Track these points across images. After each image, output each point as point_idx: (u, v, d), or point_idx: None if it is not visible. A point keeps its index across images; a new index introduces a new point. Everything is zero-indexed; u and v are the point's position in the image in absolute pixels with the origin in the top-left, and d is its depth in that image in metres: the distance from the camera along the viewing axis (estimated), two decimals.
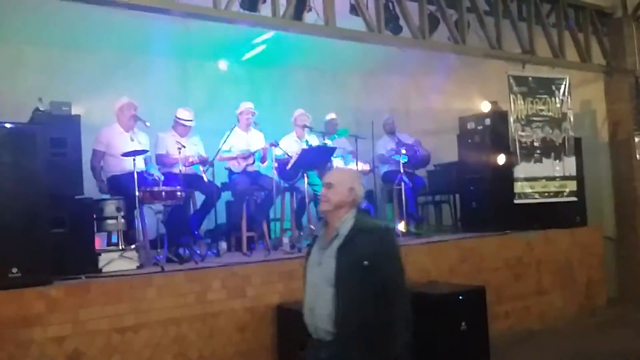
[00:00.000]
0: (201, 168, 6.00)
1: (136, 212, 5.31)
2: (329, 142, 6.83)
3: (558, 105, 7.70)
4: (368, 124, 7.16)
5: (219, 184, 6.43)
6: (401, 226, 7.15)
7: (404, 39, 6.55)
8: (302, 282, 3.00)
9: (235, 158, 6.37)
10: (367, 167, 7.42)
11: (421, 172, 8.16)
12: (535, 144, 7.55)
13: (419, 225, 7.50)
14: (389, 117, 7.93)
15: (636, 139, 8.12)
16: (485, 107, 7.73)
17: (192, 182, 5.92)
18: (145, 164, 5.78)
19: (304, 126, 6.90)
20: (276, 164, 6.31)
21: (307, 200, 6.36)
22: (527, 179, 7.43)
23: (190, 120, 6.22)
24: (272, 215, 6.86)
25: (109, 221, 5.12)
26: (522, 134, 7.47)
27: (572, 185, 7.64)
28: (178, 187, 5.37)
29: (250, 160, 6.38)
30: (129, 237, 5.29)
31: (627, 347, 5.74)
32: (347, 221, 2.89)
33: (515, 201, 7.31)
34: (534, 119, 7.58)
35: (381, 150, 7.57)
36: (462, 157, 7.88)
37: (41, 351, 3.97)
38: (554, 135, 7.65)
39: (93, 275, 4.59)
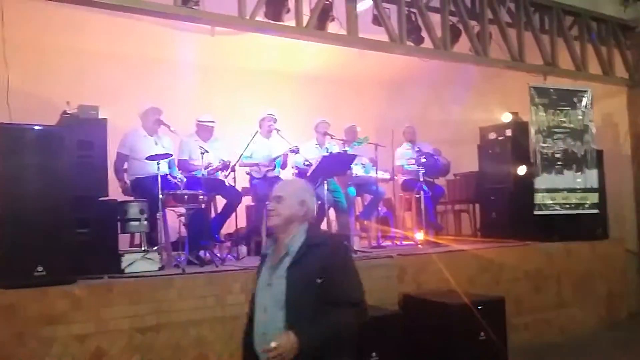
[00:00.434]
0: (223, 173, 6.10)
1: (159, 215, 5.40)
2: (349, 150, 6.87)
3: (580, 117, 7.67)
4: (388, 132, 7.20)
5: (240, 189, 6.50)
6: (420, 235, 7.17)
7: (426, 50, 6.59)
8: (249, 307, 2.82)
9: (256, 164, 6.45)
10: (386, 175, 7.45)
11: (441, 181, 8.16)
12: (557, 155, 7.51)
13: (437, 234, 7.50)
14: (409, 125, 7.96)
15: None
16: (506, 118, 7.73)
17: (213, 186, 6.00)
18: (169, 167, 5.88)
19: (325, 133, 6.97)
20: (296, 171, 6.37)
21: (326, 206, 6.41)
22: (547, 191, 7.39)
23: (212, 122, 6.35)
24: None
25: (133, 223, 5.18)
26: (544, 145, 7.44)
27: (593, 198, 7.58)
28: (200, 191, 5.45)
29: (271, 166, 6.46)
30: (151, 239, 5.36)
31: None
32: (298, 237, 2.71)
33: (536, 212, 7.27)
34: (556, 130, 7.55)
35: (400, 159, 7.59)
36: (483, 167, 7.87)
37: (64, 349, 4.05)
38: (575, 147, 7.61)
39: (116, 276, 4.66)
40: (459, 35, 6.78)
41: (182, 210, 5.51)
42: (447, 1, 6.63)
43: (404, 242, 7.48)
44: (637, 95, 8.22)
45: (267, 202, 6.26)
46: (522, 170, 7.38)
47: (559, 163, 7.50)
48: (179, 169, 6.17)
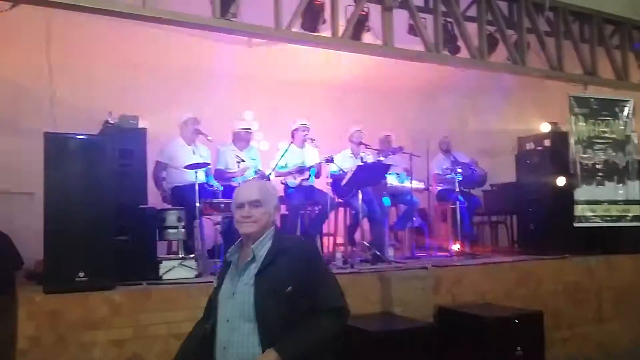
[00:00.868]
0: None
1: (196, 223, 5.49)
2: (383, 160, 6.88)
3: (621, 127, 7.50)
4: (423, 142, 7.17)
5: None
6: (455, 246, 7.11)
7: (462, 59, 6.56)
8: (204, 317, 2.65)
9: (291, 173, 6.50)
10: (421, 185, 7.41)
11: (477, 192, 8.07)
12: (597, 166, 7.36)
13: (473, 245, 7.42)
14: (446, 135, 7.91)
15: None
16: (545, 128, 7.60)
17: None
18: (206, 176, 5.98)
19: (360, 143, 6.98)
20: (331, 180, 6.39)
21: (360, 216, 6.41)
22: (588, 202, 7.23)
23: (249, 129, 6.44)
24: (325, 230, 6.93)
25: (171, 230, 5.27)
26: (584, 156, 7.30)
27: (635, 210, 7.39)
28: None
29: (306, 176, 6.50)
30: (188, 246, 5.46)
31: None
32: (265, 242, 2.54)
33: (576, 224, 7.12)
34: (596, 141, 7.40)
35: (436, 168, 7.55)
36: (520, 178, 7.74)
37: (103, 353, 4.15)
38: (617, 158, 7.44)
39: (154, 282, 4.74)
40: (496, 45, 6.72)
41: (218, 218, 5.59)
42: (484, 10, 6.59)
43: (439, 254, 7.42)
44: None
45: (301, 212, 6.42)
46: (561, 181, 7.24)
47: (599, 174, 7.34)
48: (216, 178, 6.27)
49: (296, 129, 6.65)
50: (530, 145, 7.67)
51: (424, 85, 8.75)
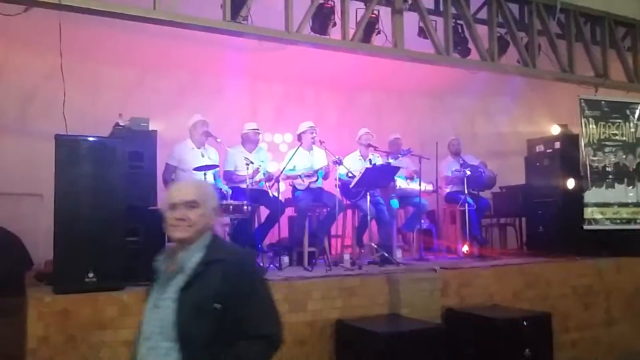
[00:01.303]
0: (267, 184, 6.19)
1: None
2: (392, 162, 6.87)
3: (632, 130, 7.46)
4: (432, 144, 7.17)
5: (283, 200, 6.58)
6: (464, 248, 7.10)
7: (473, 62, 6.54)
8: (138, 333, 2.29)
9: (299, 176, 6.52)
10: (430, 187, 7.40)
11: (486, 194, 8.05)
12: (608, 169, 7.33)
13: (482, 247, 7.40)
14: (455, 138, 7.90)
15: None
16: (555, 130, 7.57)
17: (257, 197, 6.10)
18: (214, 178, 6.00)
19: (368, 145, 6.99)
20: (339, 182, 6.40)
21: (369, 218, 6.42)
22: (597, 205, 7.20)
23: (257, 130, 6.47)
24: (333, 232, 6.94)
25: None
26: (594, 158, 7.27)
27: None
28: (245, 202, 5.54)
29: (314, 178, 6.51)
30: None
31: None
32: (196, 251, 2.23)
33: (585, 227, 7.09)
34: (607, 143, 7.37)
35: (445, 171, 7.53)
36: (530, 180, 7.73)
37: (112, 354, 4.18)
38: (627, 161, 7.41)
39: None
40: (506, 47, 6.71)
41: (227, 220, 5.61)
42: (495, 12, 6.57)
43: (447, 256, 7.41)
44: None
45: (309, 213, 6.43)
46: (571, 183, 7.22)
47: (609, 177, 7.31)
48: (225, 181, 6.30)
49: (303, 132, 6.66)
50: (540, 148, 7.65)
51: (434, 88, 8.74)
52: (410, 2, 6.09)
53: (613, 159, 7.36)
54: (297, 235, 6.43)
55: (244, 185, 5.96)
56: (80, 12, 4.63)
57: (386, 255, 6.28)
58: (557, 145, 7.45)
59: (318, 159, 6.70)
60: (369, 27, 5.86)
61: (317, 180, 6.54)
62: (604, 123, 7.38)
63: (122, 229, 4.59)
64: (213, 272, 2.15)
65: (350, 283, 5.22)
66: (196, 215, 2.22)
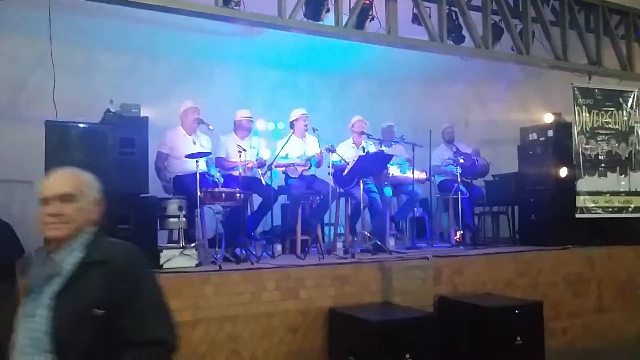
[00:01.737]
0: (259, 171, 6.17)
1: (197, 212, 5.49)
2: (385, 149, 6.86)
3: (625, 118, 7.47)
4: (426, 132, 7.15)
5: (276, 187, 6.56)
6: (457, 237, 7.12)
7: (467, 49, 6.52)
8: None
9: (292, 164, 6.49)
10: (423, 175, 7.39)
11: (479, 182, 8.06)
12: (600, 157, 7.34)
13: (474, 235, 7.42)
14: (449, 125, 7.89)
15: None
16: (548, 118, 7.57)
17: (250, 184, 6.08)
18: (207, 165, 5.98)
19: (362, 133, 6.96)
20: (332, 170, 6.38)
21: (362, 206, 6.41)
22: (590, 193, 7.23)
23: (250, 117, 6.44)
24: (326, 220, 6.94)
25: (171, 219, 5.29)
26: (587, 146, 7.28)
27: (637, 201, 7.38)
28: (237, 189, 5.52)
29: (307, 166, 6.49)
30: (189, 235, 5.46)
31: None
32: (74, 251, 1.97)
33: (577, 215, 7.12)
34: (599, 131, 7.38)
35: (437, 160, 7.52)
36: (522, 169, 7.73)
37: None
38: (620, 149, 7.42)
39: (154, 271, 4.72)
40: (500, 34, 6.68)
41: (219, 207, 5.59)
42: (489, 0, 6.54)
43: (440, 244, 7.42)
44: None
45: (302, 201, 6.43)
46: (563, 172, 7.23)
47: (602, 165, 7.33)
48: (217, 167, 6.26)
49: (296, 119, 6.63)
50: (532, 136, 7.64)
51: (427, 75, 8.71)
52: None
53: (606, 147, 7.38)
54: (290, 223, 6.43)
55: (236, 173, 5.94)
56: None
57: (379, 243, 6.29)
58: (550, 133, 7.44)
59: (311, 146, 6.68)
60: (363, 14, 5.82)
61: (310, 168, 6.52)
62: (597, 111, 7.38)
63: (114, 216, 4.55)
64: (93, 274, 1.91)
65: (343, 271, 5.22)
66: (73, 209, 1.98)
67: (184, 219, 5.28)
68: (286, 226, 6.66)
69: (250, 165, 6.15)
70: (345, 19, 5.71)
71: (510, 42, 6.73)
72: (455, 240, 7.22)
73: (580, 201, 7.17)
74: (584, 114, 7.31)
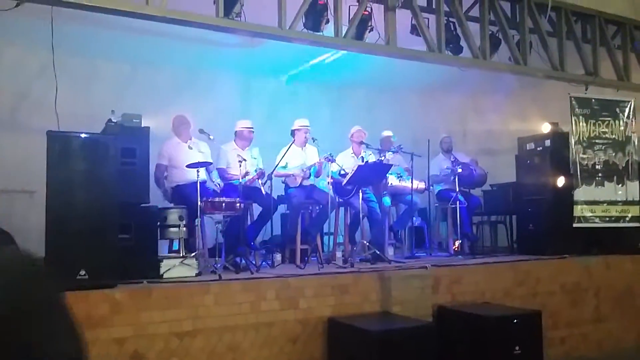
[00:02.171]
0: (259, 181, 6.20)
1: (197, 221, 5.51)
2: (389, 155, 6.90)
3: (622, 128, 7.51)
4: (425, 142, 7.19)
5: (275, 197, 6.58)
6: (455, 246, 7.15)
7: (465, 59, 6.56)
8: None
9: (291, 174, 6.52)
10: (422, 184, 7.43)
11: (477, 192, 8.09)
12: (597, 166, 7.37)
13: (472, 245, 7.45)
14: (447, 135, 7.93)
15: None
16: (546, 128, 7.62)
17: (250, 194, 6.10)
18: (208, 172, 6.00)
19: (361, 142, 7.00)
20: (331, 179, 6.41)
21: (361, 215, 6.44)
22: (587, 203, 7.26)
23: (251, 128, 6.45)
24: (325, 230, 6.96)
25: (172, 229, 5.31)
26: (584, 156, 7.32)
27: (635, 211, 7.41)
28: (237, 199, 5.54)
29: (306, 175, 6.52)
30: (189, 245, 5.48)
31: None
32: None
33: (575, 225, 7.15)
34: (596, 141, 7.41)
35: (435, 169, 7.56)
36: (520, 178, 7.76)
37: (103, 352, 4.17)
38: (617, 159, 7.46)
39: (154, 281, 4.77)
40: (498, 45, 6.73)
41: (220, 217, 5.61)
42: (487, 10, 6.59)
43: (439, 253, 7.44)
44: None
45: (301, 211, 6.45)
46: (560, 181, 7.26)
47: (599, 175, 7.36)
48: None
49: (297, 129, 6.66)
50: (530, 146, 7.68)
51: (426, 85, 8.77)
52: None
53: (603, 157, 7.41)
54: (290, 233, 6.45)
55: (236, 183, 5.97)
56: (73, 7, 4.59)
57: (378, 252, 6.31)
58: (548, 143, 7.48)
59: (310, 156, 6.71)
60: (362, 24, 5.86)
61: (309, 177, 6.55)
62: (594, 121, 7.42)
63: (114, 226, 4.56)
64: None
65: (342, 281, 5.23)
66: None
67: (184, 228, 5.31)
68: (286, 236, 6.69)
69: (250, 178, 6.16)
70: (344, 29, 5.76)
71: (508, 53, 6.78)
72: (454, 249, 7.25)
73: (578, 210, 7.20)
74: (581, 123, 7.35)
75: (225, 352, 4.59)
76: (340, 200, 6.66)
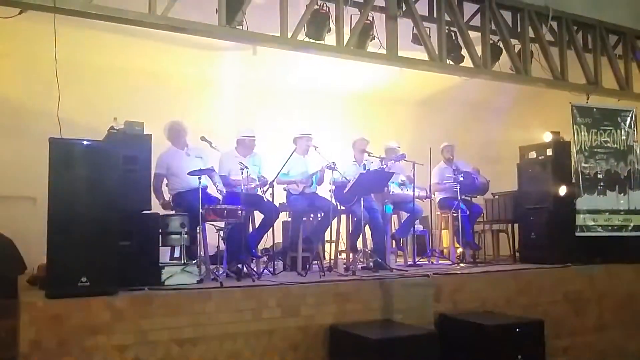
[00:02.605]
0: (261, 189, 6.20)
1: (199, 229, 5.51)
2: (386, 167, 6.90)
3: (623, 137, 7.54)
4: (426, 150, 7.20)
5: (277, 204, 6.58)
6: (457, 254, 7.13)
7: (466, 69, 6.59)
8: None
9: (293, 182, 6.53)
10: (423, 193, 7.43)
11: (479, 200, 8.09)
12: (599, 176, 7.39)
13: (474, 253, 7.43)
14: (448, 144, 7.93)
15: None
16: (547, 137, 7.62)
17: (252, 201, 6.09)
18: (211, 177, 5.99)
19: (363, 151, 7.01)
20: (333, 187, 6.41)
21: (362, 223, 6.43)
22: (589, 212, 7.26)
23: (253, 137, 6.47)
24: (327, 237, 6.95)
25: (173, 236, 5.30)
26: (585, 165, 7.33)
27: (637, 220, 7.42)
28: (239, 206, 5.54)
29: (308, 183, 6.52)
30: (191, 252, 5.47)
31: None
32: None
33: (577, 234, 7.15)
34: (598, 150, 7.43)
35: (436, 178, 7.56)
36: (522, 187, 7.76)
37: (104, 358, 4.16)
38: (618, 168, 7.47)
39: (155, 288, 4.75)
40: (499, 54, 6.76)
41: (221, 224, 5.61)
42: (488, 20, 6.63)
43: (441, 261, 7.43)
44: None
45: (303, 218, 6.45)
46: (562, 190, 7.26)
47: (601, 184, 7.37)
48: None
49: (300, 138, 6.66)
50: (532, 155, 7.69)
51: (428, 94, 8.79)
52: (404, 8, 6.13)
53: (604, 166, 7.43)
54: (291, 240, 6.44)
55: (238, 190, 5.96)
56: (76, 15, 4.64)
57: (380, 260, 6.30)
58: (549, 152, 7.48)
59: (312, 163, 6.71)
60: (364, 33, 5.90)
61: (311, 185, 6.55)
62: (596, 130, 7.45)
63: (115, 233, 4.56)
64: None
65: (343, 288, 5.22)
66: None
67: (185, 235, 5.30)
68: (287, 243, 6.67)
69: (252, 185, 6.16)
70: (346, 38, 5.78)
71: (509, 62, 6.80)
72: (456, 258, 7.23)
73: (580, 219, 7.20)
74: (582, 132, 7.37)
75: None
76: (342, 207, 6.65)
